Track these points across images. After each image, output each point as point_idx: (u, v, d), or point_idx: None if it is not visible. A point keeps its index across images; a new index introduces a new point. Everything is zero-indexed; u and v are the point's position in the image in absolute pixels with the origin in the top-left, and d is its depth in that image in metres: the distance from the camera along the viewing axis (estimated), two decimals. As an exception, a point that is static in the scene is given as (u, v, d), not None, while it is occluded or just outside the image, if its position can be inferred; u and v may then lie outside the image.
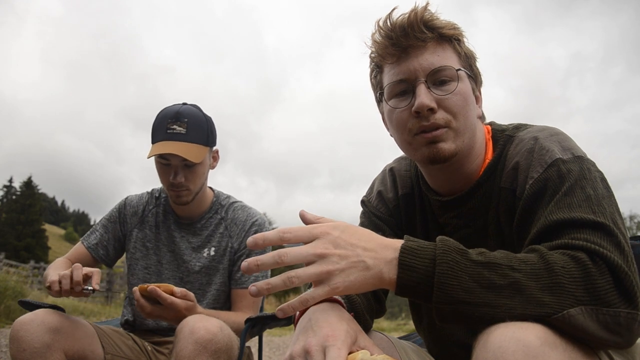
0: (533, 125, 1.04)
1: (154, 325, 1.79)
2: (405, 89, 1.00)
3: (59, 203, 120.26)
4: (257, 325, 1.52)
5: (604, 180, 0.89)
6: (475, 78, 1.05)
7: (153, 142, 1.68)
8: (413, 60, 0.99)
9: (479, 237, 1.04)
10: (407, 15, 0.99)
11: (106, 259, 1.81)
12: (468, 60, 1.04)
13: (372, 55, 1.06)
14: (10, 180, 57.96)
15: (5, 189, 57.35)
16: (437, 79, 0.98)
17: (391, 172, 1.24)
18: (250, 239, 0.77)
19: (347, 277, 0.73)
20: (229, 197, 1.88)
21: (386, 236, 0.82)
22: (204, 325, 1.34)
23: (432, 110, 0.97)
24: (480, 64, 1.08)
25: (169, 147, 1.60)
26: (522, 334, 0.67)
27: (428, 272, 0.74)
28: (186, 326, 1.36)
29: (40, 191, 55.54)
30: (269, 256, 0.75)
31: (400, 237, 0.82)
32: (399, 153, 1.20)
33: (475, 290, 0.72)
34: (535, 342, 0.66)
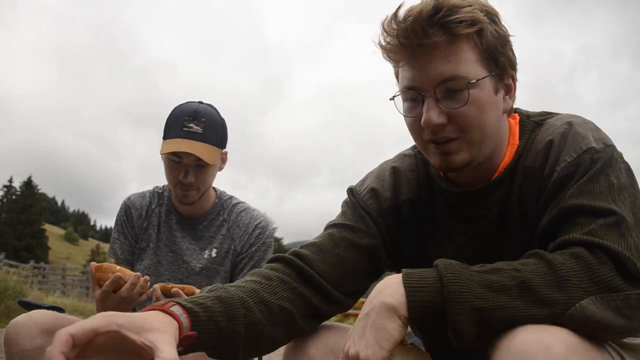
0: (560, 113, 1.02)
1: None
2: (415, 97, 0.94)
3: (59, 203, 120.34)
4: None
5: (629, 170, 0.89)
6: (502, 70, 0.94)
7: (166, 137, 1.68)
8: (422, 68, 0.91)
9: (505, 224, 0.99)
10: (412, 14, 0.88)
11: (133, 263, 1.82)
12: (492, 53, 0.92)
13: (383, 56, 0.97)
14: (10, 180, 58.12)
15: (5, 189, 57.50)
16: (447, 88, 0.90)
17: (394, 171, 1.12)
18: None
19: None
20: (231, 197, 1.87)
21: (370, 234, 0.93)
22: None
23: (441, 125, 0.91)
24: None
25: (184, 145, 1.60)
26: (544, 336, 0.68)
27: (436, 287, 0.76)
28: None
29: (40, 191, 55.64)
30: None
31: (387, 241, 0.90)
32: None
33: (487, 295, 0.73)
34: (557, 344, 0.67)
